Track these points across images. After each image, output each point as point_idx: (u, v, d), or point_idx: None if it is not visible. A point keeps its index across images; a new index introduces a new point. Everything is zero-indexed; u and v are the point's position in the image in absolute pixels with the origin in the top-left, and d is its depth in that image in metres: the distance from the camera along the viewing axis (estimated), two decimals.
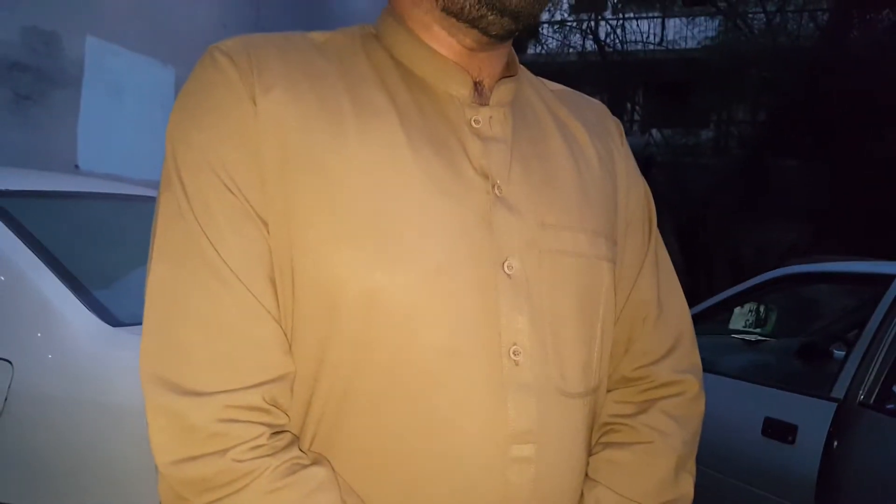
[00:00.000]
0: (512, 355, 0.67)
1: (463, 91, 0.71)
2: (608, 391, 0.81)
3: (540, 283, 0.70)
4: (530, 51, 12.07)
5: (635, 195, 0.84)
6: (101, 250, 2.10)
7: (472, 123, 0.71)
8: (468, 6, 0.66)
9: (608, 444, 0.78)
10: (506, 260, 0.68)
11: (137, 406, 1.48)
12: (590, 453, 0.77)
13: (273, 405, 0.64)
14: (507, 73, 0.76)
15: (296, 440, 0.66)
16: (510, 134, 0.73)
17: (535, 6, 0.67)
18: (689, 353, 0.84)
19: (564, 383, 0.71)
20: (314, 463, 0.64)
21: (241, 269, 0.63)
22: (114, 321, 1.71)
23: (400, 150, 0.67)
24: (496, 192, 0.69)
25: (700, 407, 0.82)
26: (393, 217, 0.65)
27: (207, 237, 0.63)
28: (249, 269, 0.64)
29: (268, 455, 0.62)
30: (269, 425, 0.63)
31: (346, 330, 0.64)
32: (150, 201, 2.41)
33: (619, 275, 0.80)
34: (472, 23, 0.68)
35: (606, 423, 0.80)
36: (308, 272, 0.64)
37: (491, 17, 0.67)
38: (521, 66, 0.81)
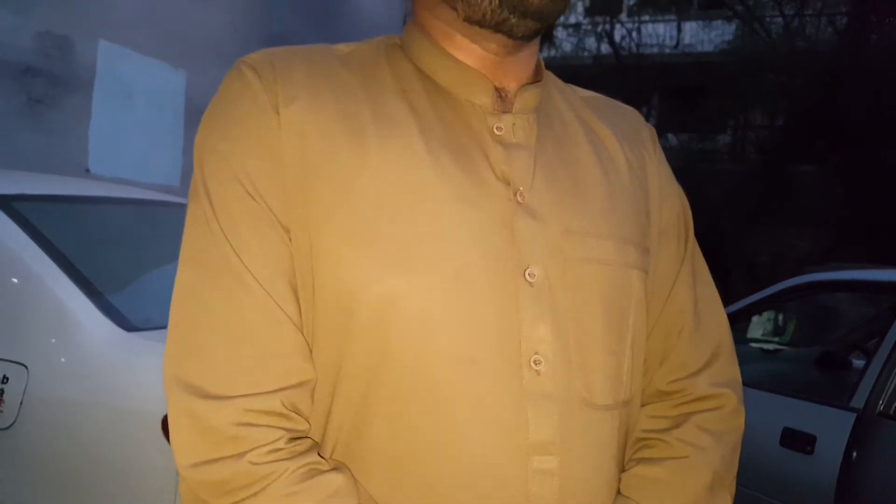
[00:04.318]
0: (533, 365, 0.66)
1: (484, 99, 0.71)
2: (643, 405, 0.79)
3: (564, 291, 0.69)
4: (544, 53, 12.07)
5: (669, 203, 0.81)
6: (116, 255, 2.10)
7: (495, 131, 0.70)
8: (489, 12, 0.66)
9: (641, 460, 0.76)
10: (527, 267, 0.67)
11: (151, 410, 1.48)
12: (622, 469, 0.75)
13: (293, 411, 0.64)
14: (534, 79, 0.75)
15: (316, 446, 0.66)
16: (534, 140, 0.72)
17: (557, 5, 0.67)
18: (728, 366, 0.81)
19: (589, 394, 0.69)
20: (333, 469, 0.64)
21: (264, 275, 0.64)
22: (128, 326, 1.71)
23: (419, 157, 0.67)
24: (518, 198, 0.69)
25: (739, 422, 0.79)
26: (411, 223, 0.65)
27: (231, 244, 0.64)
28: (271, 276, 0.64)
29: (286, 459, 0.62)
30: (288, 430, 0.63)
31: (364, 336, 0.64)
32: (166, 206, 2.42)
33: (653, 284, 0.78)
34: (496, 28, 0.67)
35: (640, 439, 0.77)
36: (327, 278, 0.65)
37: (514, 20, 0.66)
38: (550, 72, 0.80)
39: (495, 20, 0.66)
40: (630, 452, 0.77)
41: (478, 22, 0.67)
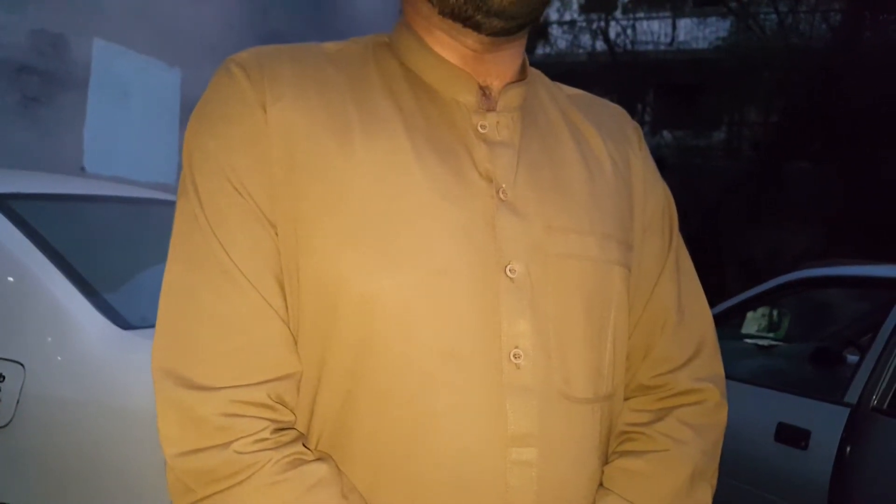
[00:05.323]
0: (513, 358, 0.67)
1: (469, 97, 0.72)
2: (626, 399, 0.80)
3: (545, 286, 0.70)
4: (539, 51, 12.08)
5: (654, 200, 0.83)
6: (111, 253, 2.10)
7: (479, 129, 0.72)
8: (457, 7, 0.68)
9: (623, 453, 0.77)
10: (508, 263, 0.68)
11: (147, 409, 1.48)
12: (605, 462, 0.76)
13: (278, 402, 0.65)
14: (519, 77, 0.76)
15: (301, 437, 0.67)
16: (518, 138, 0.73)
17: (521, 6, 0.67)
18: (711, 361, 0.82)
19: (569, 388, 0.70)
20: (317, 459, 0.65)
21: (250, 270, 0.65)
22: (124, 324, 1.71)
23: (403, 154, 0.68)
24: (501, 196, 0.70)
25: (721, 416, 0.81)
26: (394, 220, 0.66)
27: (218, 239, 0.65)
28: (258, 271, 0.66)
29: (270, 449, 0.63)
30: (273, 421, 0.65)
31: (348, 332, 0.66)
32: (161, 205, 2.42)
33: (637, 280, 0.79)
34: (465, 23, 0.69)
35: (623, 432, 0.79)
36: (312, 274, 0.66)
37: (479, 18, 0.67)
38: (537, 70, 0.81)
39: (463, 15, 0.68)
40: (613, 446, 0.78)
41: (450, 15, 0.69)
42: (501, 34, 0.70)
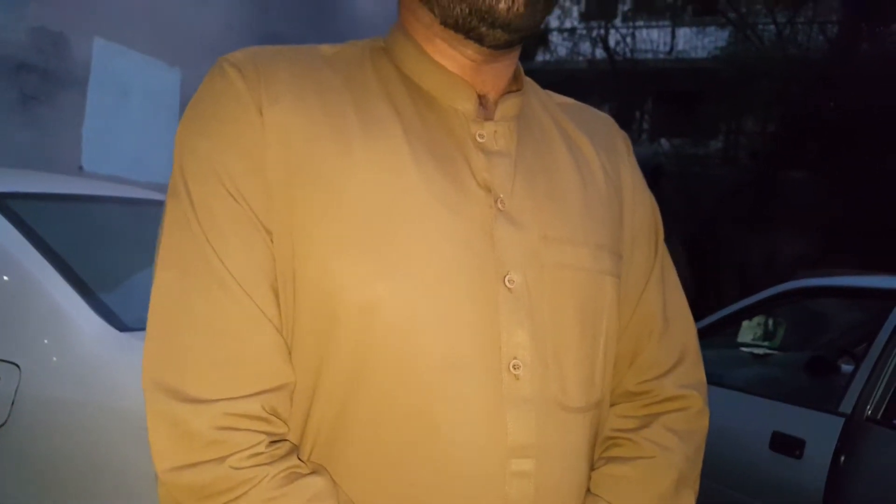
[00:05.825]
0: (512, 369, 0.67)
1: (468, 105, 0.72)
2: (612, 405, 0.81)
3: (541, 297, 0.70)
4: (539, 58, 12.10)
5: (641, 209, 0.83)
6: (109, 254, 2.09)
7: (477, 138, 0.71)
8: (461, 18, 0.67)
9: (610, 459, 0.77)
10: (507, 274, 0.68)
11: (143, 410, 1.48)
12: (592, 468, 0.77)
13: (272, 414, 0.64)
14: (514, 86, 0.76)
15: (295, 449, 0.66)
16: (515, 148, 0.73)
17: (526, 19, 0.67)
18: (694, 368, 0.83)
19: (565, 398, 0.71)
20: (313, 472, 0.65)
21: (244, 277, 0.64)
22: (121, 325, 1.70)
23: (403, 161, 0.67)
24: (499, 205, 0.70)
25: (703, 422, 0.82)
26: (394, 228, 0.65)
27: (211, 245, 0.64)
28: (252, 278, 0.64)
29: (266, 463, 0.62)
30: (268, 434, 0.64)
31: (345, 340, 0.65)
32: (160, 205, 2.41)
33: (624, 289, 0.80)
34: (468, 34, 0.68)
35: (609, 438, 0.79)
36: (309, 282, 0.65)
37: (483, 29, 0.67)
38: (529, 78, 0.81)
39: (467, 27, 0.68)
40: (599, 451, 0.79)
41: (452, 26, 0.68)
42: (503, 46, 0.70)
